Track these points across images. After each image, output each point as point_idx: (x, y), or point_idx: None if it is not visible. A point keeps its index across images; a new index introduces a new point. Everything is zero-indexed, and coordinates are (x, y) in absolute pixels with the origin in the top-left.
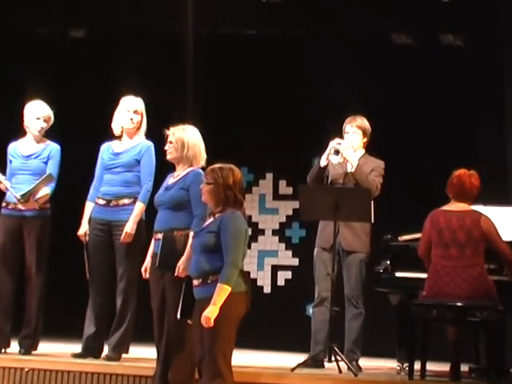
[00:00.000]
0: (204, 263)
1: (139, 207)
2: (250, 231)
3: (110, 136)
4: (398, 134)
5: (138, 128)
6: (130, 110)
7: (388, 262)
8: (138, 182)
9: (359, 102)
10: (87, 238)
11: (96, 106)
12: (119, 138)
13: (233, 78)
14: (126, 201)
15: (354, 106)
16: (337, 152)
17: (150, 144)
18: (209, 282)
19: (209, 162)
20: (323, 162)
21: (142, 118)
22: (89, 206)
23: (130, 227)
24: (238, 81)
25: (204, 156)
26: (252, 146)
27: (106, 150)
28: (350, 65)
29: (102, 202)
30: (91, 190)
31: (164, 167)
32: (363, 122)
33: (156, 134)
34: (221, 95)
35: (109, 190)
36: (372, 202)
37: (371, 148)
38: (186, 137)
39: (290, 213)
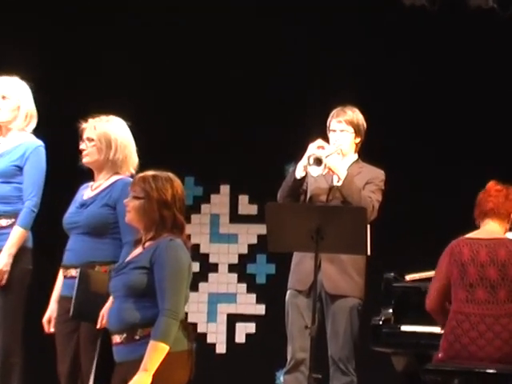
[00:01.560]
0: (129, 312)
1: (17, 234)
2: (195, 266)
3: None
4: (403, 132)
5: (21, 121)
6: None
7: (390, 311)
8: (20, 196)
9: (351, 88)
10: None
11: None
12: None
13: (176, 57)
14: (2, 222)
15: (343, 93)
16: (317, 161)
17: (39, 144)
18: (136, 338)
19: (139, 169)
20: (299, 173)
21: (18, 105)
22: None
23: (2, 262)
24: (184, 60)
25: (136, 160)
26: (200, 148)
27: None
28: (340, 37)
29: None
30: None
31: (69, 175)
32: (356, 115)
33: (57, 129)
34: (158, 80)
35: None
36: (368, 226)
37: (367, 152)
38: (114, 133)
39: (254, 241)
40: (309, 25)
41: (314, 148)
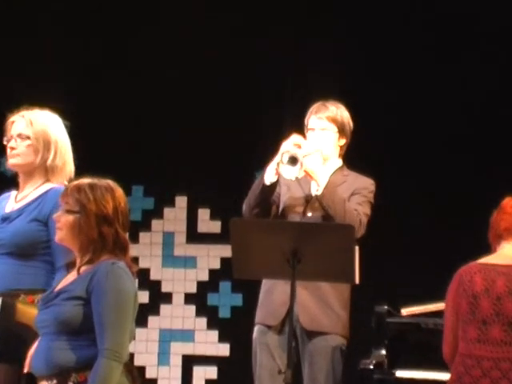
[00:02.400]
0: (61, 353)
1: None
2: (144, 296)
3: None
4: (397, 133)
5: None
6: None
7: (383, 353)
8: None
9: (333, 82)
10: None
11: None
12: None
13: (128, 50)
14: None
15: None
16: (293, 160)
17: None
18: None
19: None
20: (270, 178)
21: None
22: None
23: None
24: (135, 55)
25: (72, 169)
26: (151, 150)
27: None
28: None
29: None
30: None
31: None
32: (340, 111)
33: None
34: (97, 70)
35: None
36: (356, 248)
37: (354, 158)
38: (54, 133)
39: (217, 265)
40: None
41: (289, 145)
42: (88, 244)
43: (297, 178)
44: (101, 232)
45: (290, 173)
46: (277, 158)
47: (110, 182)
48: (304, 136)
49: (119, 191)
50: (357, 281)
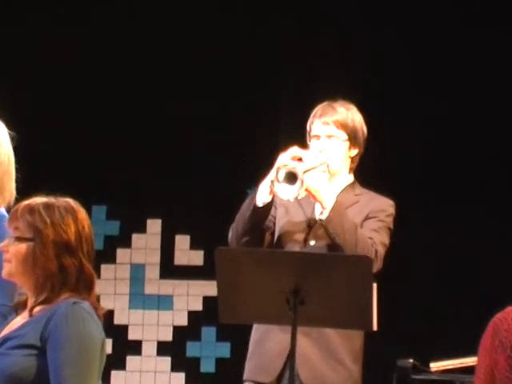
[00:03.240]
0: None
1: None
2: (109, 346)
3: None
4: (423, 144)
5: None
6: None
7: None
8: None
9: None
10: None
11: None
12: None
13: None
14: None
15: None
16: (291, 177)
17: None
18: None
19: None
20: (263, 198)
21: None
22: None
23: None
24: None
25: (13, 187)
26: (116, 163)
27: None
28: None
29: None
30: None
31: None
32: (351, 114)
33: None
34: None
35: None
36: (374, 286)
37: (368, 173)
38: None
39: (198, 306)
40: None
41: (287, 158)
42: (45, 279)
43: (295, 197)
44: (61, 264)
45: (287, 193)
46: (271, 175)
47: (70, 201)
48: (306, 147)
49: (82, 212)
50: (374, 327)
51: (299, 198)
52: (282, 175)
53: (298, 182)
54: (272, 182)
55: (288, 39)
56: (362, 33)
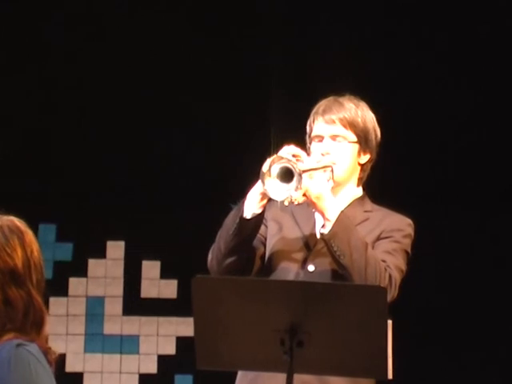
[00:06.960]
0: None
1: None
2: None
3: None
4: (448, 150)
5: None
6: None
7: None
8: None
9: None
10: None
11: None
12: None
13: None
14: None
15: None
16: (287, 173)
17: None
18: None
19: None
20: (252, 208)
21: None
22: None
23: None
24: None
25: None
26: (67, 173)
27: None
28: None
29: None
30: None
31: None
32: (361, 111)
33: None
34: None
35: None
36: (390, 323)
37: (378, 185)
38: None
39: (171, 350)
40: None
41: (285, 153)
42: None
43: (292, 203)
44: (6, 296)
45: (279, 192)
46: (263, 171)
47: (15, 220)
48: (306, 150)
49: (29, 233)
50: (390, 375)
51: (295, 203)
52: (275, 170)
53: (295, 181)
54: (263, 174)
55: (277, 40)
56: (360, 32)
